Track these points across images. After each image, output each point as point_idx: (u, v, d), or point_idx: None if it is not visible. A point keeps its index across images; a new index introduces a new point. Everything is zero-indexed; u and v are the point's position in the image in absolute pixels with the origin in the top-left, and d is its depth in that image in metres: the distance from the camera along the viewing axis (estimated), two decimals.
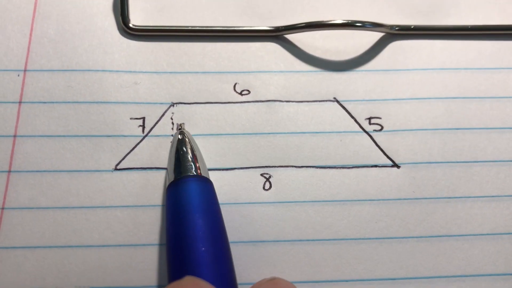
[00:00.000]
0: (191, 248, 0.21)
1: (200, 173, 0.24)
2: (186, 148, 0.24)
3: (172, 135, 0.27)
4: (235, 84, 0.28)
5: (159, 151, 0.26)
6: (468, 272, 0.24)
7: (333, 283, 0.24)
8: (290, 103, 0.28)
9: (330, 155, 0.27)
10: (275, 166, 0.26)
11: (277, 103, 0.28)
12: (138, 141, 0.27)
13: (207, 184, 0.23)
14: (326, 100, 0.28)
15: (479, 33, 0.29)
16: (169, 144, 0.26)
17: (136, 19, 0.29)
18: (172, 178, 0.24)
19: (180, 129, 0.26)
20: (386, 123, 0.27)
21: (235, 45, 0.29)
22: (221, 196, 0.25)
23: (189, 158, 0.24)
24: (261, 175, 0.26)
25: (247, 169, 0.26)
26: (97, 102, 0.27)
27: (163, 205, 0.25)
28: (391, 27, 0.29)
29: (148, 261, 0.24)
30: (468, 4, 0.30)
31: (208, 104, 0.28)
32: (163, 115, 0.27)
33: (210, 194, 0.23)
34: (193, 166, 0.24)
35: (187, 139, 0.25)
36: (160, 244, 0.24)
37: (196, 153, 0.24)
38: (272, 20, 0.30)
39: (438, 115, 0.28)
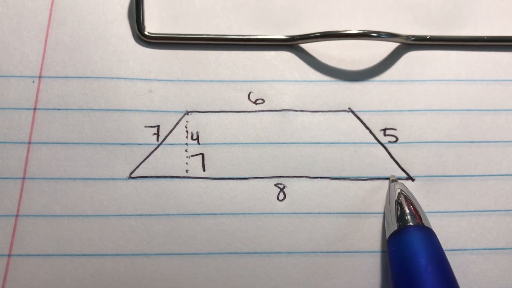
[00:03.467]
0: None
1: (422, 223, 0.23)
2: (405, 198, 0.24)
3: (186, 143, 0.27)
4: (250, 93, 0.28)
5: (173, 160, 0.26)
6: (483, 287, 0.24)
7: None
8: (305, 112, 0.28)
9: (345, 167, 0.27)
10: (289, 177, 0.26)
11: (292, 112, 0.28)
12: (153, 149, 0.27)
13: (430, 234, 0.23)
14: (341, 110, 0.28)
15: (495, 44, 0.29)
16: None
17: (151, 27, 0.29)
18: (395, 227, 0.23)
19: (394, 180, 0.26)
20: (401, 135, 0.27)
21: (250, 53, 0.29)
22: (235, 206, 0.26)
23: (409, 208, 0.24)
24: (275, 185, 0.26)
25: (261, 179, 0.26)
26: (111, 110, 0.27)
27: (178, 214, 0.25)
28: (407, 37, 0.29)
29: (162, 271, 0.24)
30: (484, 15, 0.30)
31: (222, 113, 0.28)
32: (177, 123, 0.27)
33: (435, 244, 0.23)
34: (414, 216, 0.23)
35: (404, 190, 0.25)
36: (174, 254, 0.24)
37: (414, 202, 0.24)
38: (287, 29, 0.29)
39: (453, 128, 0.27)
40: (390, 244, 0.23)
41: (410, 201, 0.24)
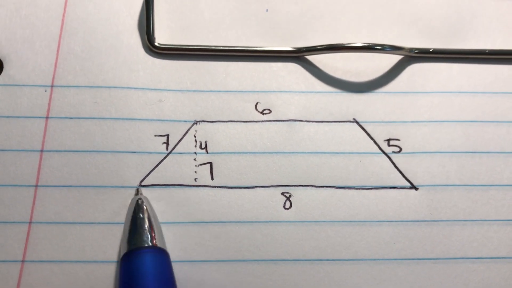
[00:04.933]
0: None
1: (156, 243, 0.22)
2: (143, 215, 0.23)
3: (195, 152, 0.27)
4: (257, 103, 0.29)
5: (182, 168, 0.27)
6: None
7: None
8: (311, 123, 0.28)
9: (350, 176, 0.27)
10: (295, 186, 0.27)
11: (298, 122, 0.28)
12: (162, 158, 0.27)
13: (163, 256, 0.22)
14: (346, 121, 0.28)
15: (496, 57, 0.30)
16: (188, 163, 0.27)
17: (160, 38, 0.30)
18: (125, 249, 0.23)
19: (137, 194, 0.25)
20: (404, 145, 0.28)
21: (257, 65, 0.30)
22: (242, 214, 0.26)
23: (146, 226, 0.23)
24: (282, 194, 0.27)
25: (267, 188, 0.27)
26: (122, 119, 0.28)
27: (187, 222, 0.26)
28: (410, 50, 0.29)
29: None
30: (486, 28, 0.31)
31: (230, 123, 0.28)
32: (186, 132, 0.28)
33: (165, 267, 0.22)
34: (149, 236, 0.23)
35: (144, 206, 0.24)
36: (183, 261, 0.25)
37: (153, 220, 0.23)
38: (293, 41, 0.30)
39: (455, 138, 0.28)
40: (120, 266, 0.22)
41: (149, 219, 0.23)
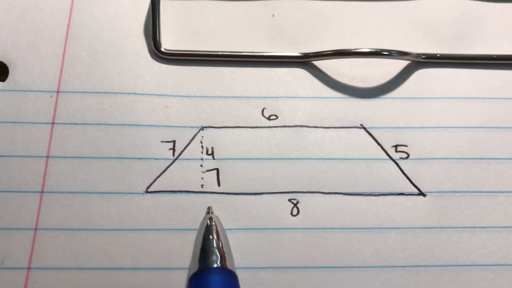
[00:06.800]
0: None
1: (226, 265, 0.23)
2: (213, 235, 0.24)
3: (201, 158, 0.27)
4: (263, 109, 0.29)
5: (189, 175, 0.27)
6: None
7: None
8: (318, 129, 0.28)
9: (357, 182, 0.27)
10: (302, 192, 0.27)
11: (305, 128, 0.28)
12: (169, 164, 0.27)
13: (232, 279, 0.23)
14: (353, 127, 0.28)
15: (504, 62, 0.30)
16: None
17: (167, 43, 0.30)
18: (195, 268, 0.23)
19: (209, 213, 0.25)
20: (412, 151, 0.28)
21: (264, 70, 0.29)
22: (249, 221, 0.26)
23: (216, 247, 0.23)
24: (289, 200, 0.27)
25: (275, 194, 0.27)
26: (128, 125, 0.28)
27: (194, 229, 0.26)
28: (417, 55, 0.29)
29: (178, 285, 0.24)
30: (493, 33, 0.31)
31: (236, 128, 0.28)
32: (193, 138, 0.28)
33: None
34: (219, 257, 0.23)
35: (216, 225, 0.24)
36: (189, 268, 0.25)
37: (223, 241, 0.24)
38: (300, 46, 0.30)
39: (463, 144, 0.28)
40: (189, 285, 0.23)
41: (219, 240, 0.24)
